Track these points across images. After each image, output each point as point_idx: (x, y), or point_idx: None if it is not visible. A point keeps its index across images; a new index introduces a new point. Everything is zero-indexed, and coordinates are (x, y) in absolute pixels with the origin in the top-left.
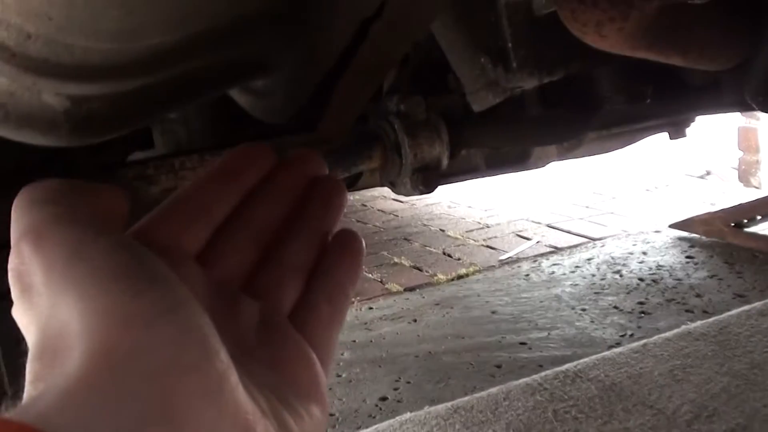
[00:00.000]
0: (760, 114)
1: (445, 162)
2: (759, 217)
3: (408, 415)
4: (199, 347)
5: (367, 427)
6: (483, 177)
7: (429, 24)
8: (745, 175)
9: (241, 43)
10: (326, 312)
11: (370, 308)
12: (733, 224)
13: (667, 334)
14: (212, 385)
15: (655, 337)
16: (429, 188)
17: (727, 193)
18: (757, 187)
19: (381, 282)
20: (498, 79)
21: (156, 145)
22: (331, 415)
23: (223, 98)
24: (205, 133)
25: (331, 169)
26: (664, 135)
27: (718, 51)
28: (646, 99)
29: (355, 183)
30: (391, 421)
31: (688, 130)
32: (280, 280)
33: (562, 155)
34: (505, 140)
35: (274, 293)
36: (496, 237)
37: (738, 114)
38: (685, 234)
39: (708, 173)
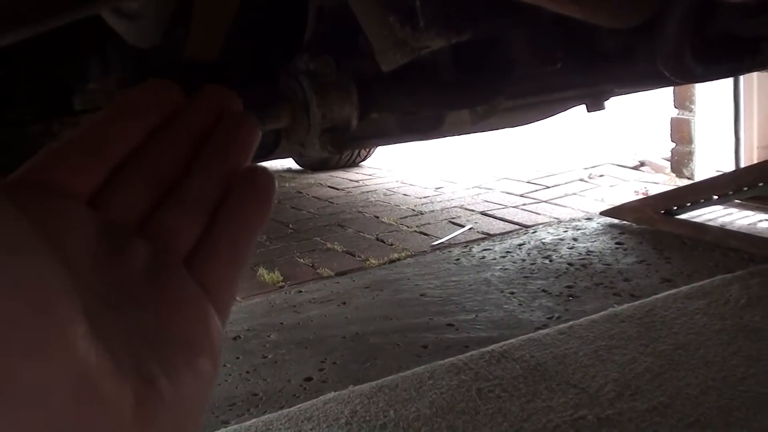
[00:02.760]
0: (692, 105)
1: (354, 123)
2: (688, 204)
3: (332, 394)
4: (31, 298)
5: (290, 407)
6: (396, 142)
7: None
8: (677, 166)
9: None
10: (226, 253)
11: (300, 291)
12: (662, 211)
13: (594, 316)
14: (40, 339)
15: (582, 319)
16: (337, 149)
17: (659, 184)
18: (689, 178)
19: (312, 267)
20: (406, 38)
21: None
22: (255, 395)
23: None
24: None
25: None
26: (595, 118)
27: (619, 3)
28: (557, 63)
29: (274, 150)
30: (315, 400)
31: (606, 103)
32: (177, 219)
33: (477, 123)
34: (416, 103)
35: (170, 233)
36: (429, 224)
37: (671, 104)
38: (615, 221)
39: (641, 164)
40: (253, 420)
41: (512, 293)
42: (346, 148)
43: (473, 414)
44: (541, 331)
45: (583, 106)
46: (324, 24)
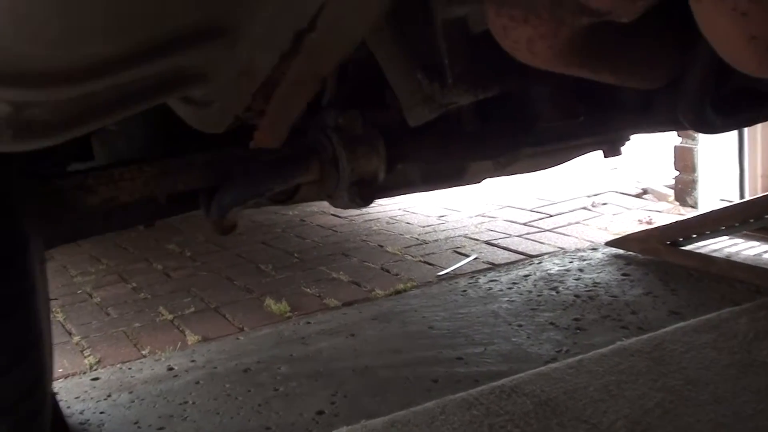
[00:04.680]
0: (695, 134)
1: (381, 176)
2: (694, 236)
3: (344, 429)
4: None
5: None
6: (419, 191)
7: (362, 37)
8: (681, 194)
9: (179, 54)
10: None
11: (308, 323)
12: (668, 242)
13: (603, 350)
14: None
15: (591, 353)
16: (366, 201)
17: (663, 212)
18: (693, 207)
19: (319, 297)
20: (434, 94)
21: (96, 157)
22: (268, 428)
23: (162, 110)
24: (144, 144)
25: (268, 182)
26: (600, 153)
27: (648, 69)
28: (579, 117)
29: (293, 196)
30: None
31: (622, 148)
32: None
33: (499, 171)
34: (441, 155)
35: None
36: (434, 253)
37: (674, 133)
38: (621, 252)
39: (644, 191)
40: None
41: (520, 326)
42: (373, 199)
43: None
44: (550, 365)
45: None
46: (350, 78)
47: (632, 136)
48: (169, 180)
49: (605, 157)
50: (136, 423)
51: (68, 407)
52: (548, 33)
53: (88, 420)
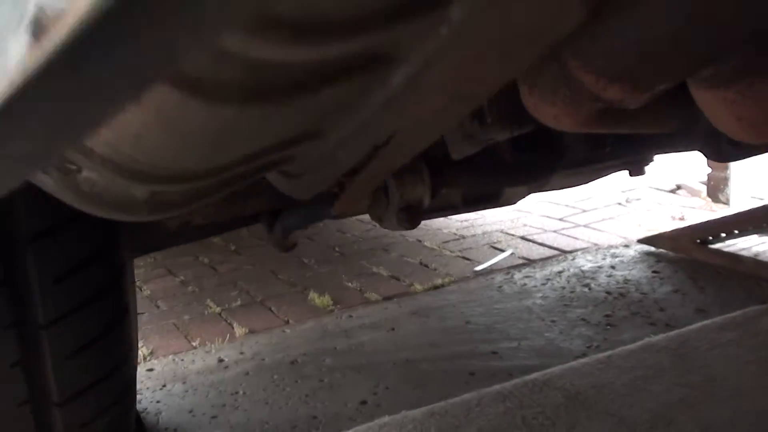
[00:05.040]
0: None
1: (426, 201)
2: (723, 235)
3: (387, 418)
4: None
5: (348, 429)
6: (459, 213)
7: (426, 147)
8: (713, 190)
9: (279, 155)
10: None
11: (350, 316)
12: (698, 240)
13: (631, 346)
14: None
15: (620, 349)
16: (412, 225)
17: (695, 208)
18: (725, 203)
19: (360, 291)
20: (474, 132)
21: None
22: (315, 417)
23: None
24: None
25: (329, 207)
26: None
27: (665, 120)
28: (605, 148)
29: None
30: (371, 423)
31: (646, 168)
32: None
33: (531, 191)
34: (480, 182)
35: None
36: (471, 248)
37: None
38: (652, 249)
39: (678, 187)
40: None
41: (553, 321)
42: (419, 222)
43: None
44: (580, 360)
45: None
46: None
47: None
48: (238, 205)
49: (631, 176)
50: (190, 412)
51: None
52: (571, 112)
53: (146, 408)
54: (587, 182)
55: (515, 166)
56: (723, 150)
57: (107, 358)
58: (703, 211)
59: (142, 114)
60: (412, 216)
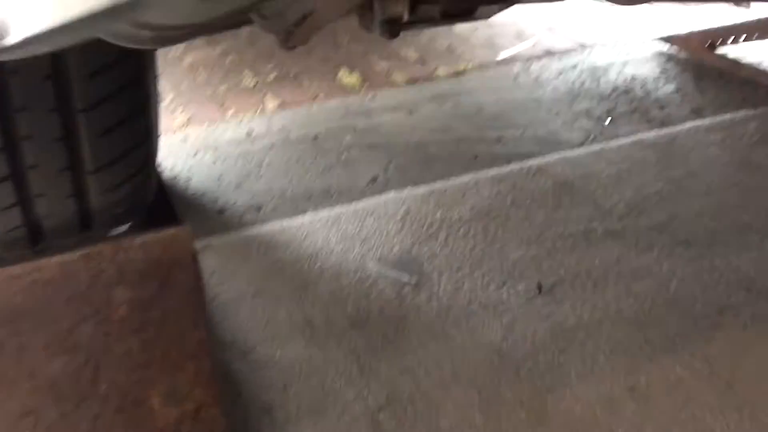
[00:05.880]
0: None
1: (405, 16)
2: (731, 39)
3: (391, 193)
4: None
5: (357, 202)
6: (438, 26)
7: None
8: None
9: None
10: None
11: (373, 98)
12: (708, 42)
13: (623, 140)
14: None
15: (612, 142)
16: (393, 35)
17: (718, 11)
18: (746, 6)
19: (387, 72)
20: None
21: None
22: (328, 190)
23: None
24: None
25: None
26: None
27: None
28: None
29: None
30: (377, 197)
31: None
32: None
33: (504, 5)
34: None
35: None
36: (498, 35)
37: None
38: (665, 49)
39: None
40: (326, 212)
41: (558, 113)
42: (398, 33)
43: (504, 219)
44: (575, 150)
45: None
46: None
47: None
48: None
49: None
50: (218, 179)
51: (161, 162)
52: None
53: (178, 174)
54: None
55: None
56: None
57: (130, 138)
58: (724, 14)
59: None
60: (393, 28)
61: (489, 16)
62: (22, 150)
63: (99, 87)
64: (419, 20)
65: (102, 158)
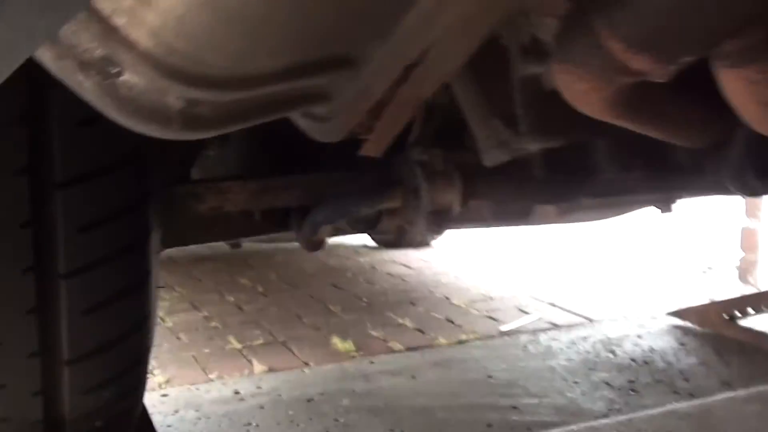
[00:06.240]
0: (762, 215)
1: (456, 208)
2: (751, 311)
3: None
4: None
5: None
6: (488, 227)
7: (455, 72)
8: (744, 273)
9: (315, 75)
10: None
11: (372, 362)
12: (726, 316)
13: (653, 411)
14: None
15: (642, 413)
16: (440, 228)
17: (726, 289)
18: (753, 285)
19: (384, 340)
20: (508, 140)
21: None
22: None
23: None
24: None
25: (358, 204)
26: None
27: (691, 129)
28: (634, 171)
29: (375, 224)
30: None
31: (674, 207)
32: None
33: (561, 217)
34: (510, 196)
35: None
36: (498, 309)
37: (742, 215)
38: (680, 322)
39: (710, 269)
40: None
41: (576, 382)
42: (446, 228)
43: None
44: (601, 420)
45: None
46: (433, 121)
47: (687, 199)
48: (270, 196)
49: (661, 212)
50: None
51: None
52: (599, 87)
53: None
54: (616, 215)
55: (546, 182)
56: (750, 184)
57: (123, 320)
58: (732, 292)
59: None
60: (441, 220)
61: (544, 223)
62: None
63: (90, 245)
64: (468, 218)
65: (83, 344)
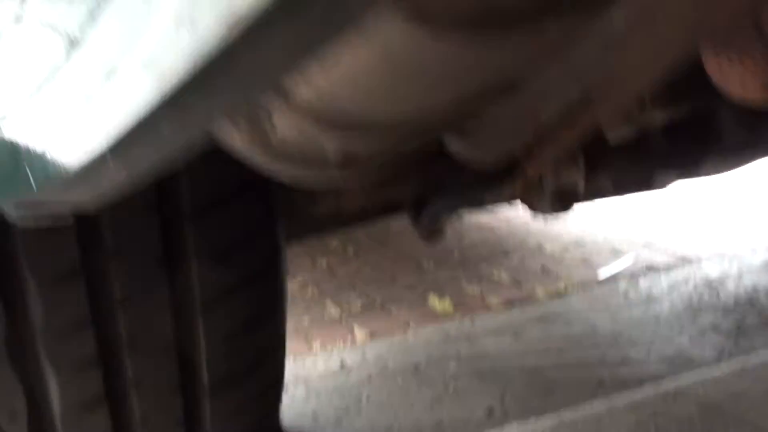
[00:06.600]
0: None
1: (581, 187)
2: None
3: (515, 425)
4: None
5: None
6: (609, 197)
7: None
8: None
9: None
10: None
11: (472, 322)
12: None
13: (765, 355)
14: None
15: (754, 357)
16: (565, 209)
17: None
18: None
19: (481, 296)
20: (633, 113)
21: None
22: (440, 423)
23: None
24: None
25: (480, 193)
26: None
27: None
28: (763, 129)
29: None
30: (499, 430)
31: None
32: None
33: (683, 176)
34: (634, 168)
35: None
36: (593, 253)
37: None
38: None
39: None
40: None
41: (681, 329)
42: (571, 206)
43: None
44: (712, 369)
45: None
46: None
47: None
48: (388, 191)
49: None
50: (313, 416)
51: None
52: (759, 72)
53: None
54: (740, 166)
55: (669, 150)
56: None
57: (260, 345)
58: None
59: (365, 53)
60: (565, 200)
61: (666, 185)
62: (122, 359)
63: (223, 274)
64: (591, 192)
65: (222, 373)
